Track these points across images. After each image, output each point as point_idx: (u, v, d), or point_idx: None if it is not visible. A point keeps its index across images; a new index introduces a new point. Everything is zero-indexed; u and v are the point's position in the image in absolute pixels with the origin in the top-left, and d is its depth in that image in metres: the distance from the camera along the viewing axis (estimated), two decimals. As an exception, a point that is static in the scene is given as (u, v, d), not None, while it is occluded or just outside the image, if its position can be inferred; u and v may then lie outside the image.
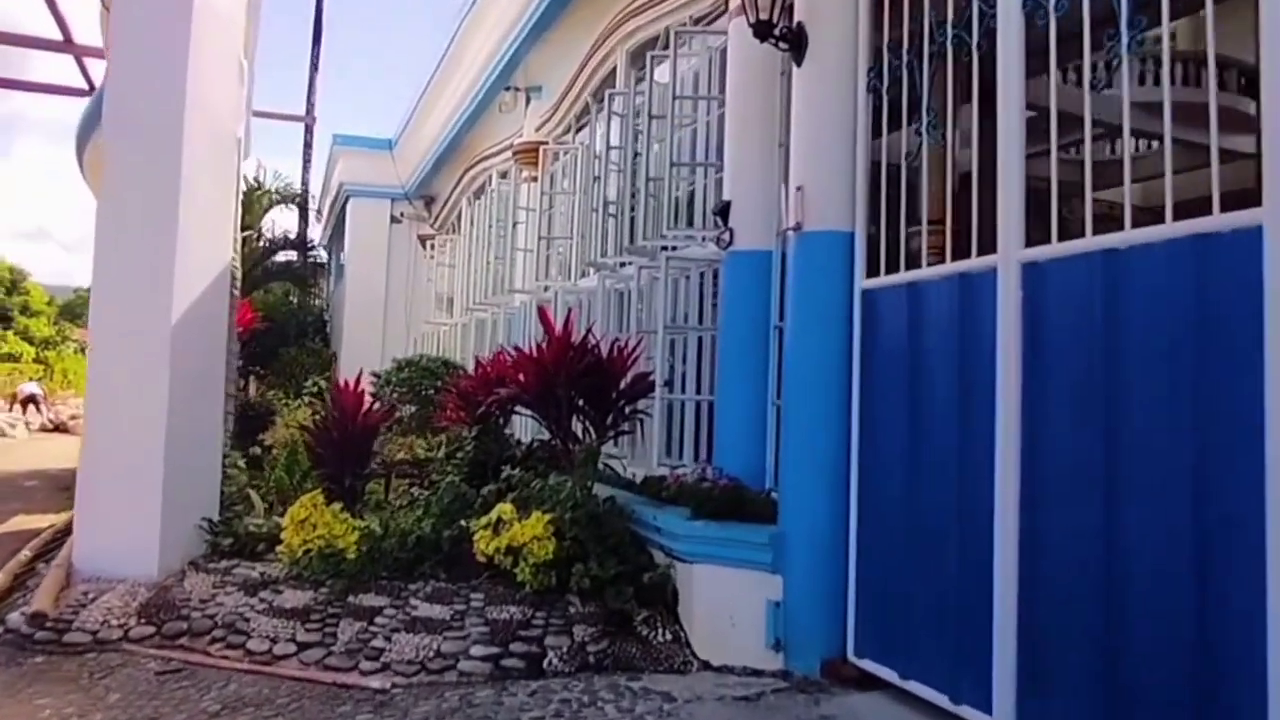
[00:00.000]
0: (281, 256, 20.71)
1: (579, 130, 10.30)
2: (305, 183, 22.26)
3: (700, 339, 6.50)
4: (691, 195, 7.13)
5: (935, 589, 4.24)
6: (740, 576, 5.05)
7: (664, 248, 6.66)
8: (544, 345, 6.11)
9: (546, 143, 10.31)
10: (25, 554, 7.74)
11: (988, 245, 4.05)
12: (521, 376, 6.12)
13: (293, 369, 17.87)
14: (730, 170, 6.04)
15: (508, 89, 11.61)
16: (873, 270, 4.90)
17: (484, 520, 6.06)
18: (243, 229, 19.47)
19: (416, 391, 10.92)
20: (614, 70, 8.89)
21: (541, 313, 6.18)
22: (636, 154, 7.25)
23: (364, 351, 17.37)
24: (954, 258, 4.34)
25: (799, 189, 5.12)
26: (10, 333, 60.29)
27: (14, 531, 9.15)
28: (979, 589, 3.92)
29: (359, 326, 17.70)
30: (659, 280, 6.60)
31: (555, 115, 10.47)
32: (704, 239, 6.64)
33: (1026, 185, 3.89)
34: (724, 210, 5.95)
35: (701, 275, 6.61)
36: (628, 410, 6.28)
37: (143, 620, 6.03)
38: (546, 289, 9.61)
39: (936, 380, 4.34)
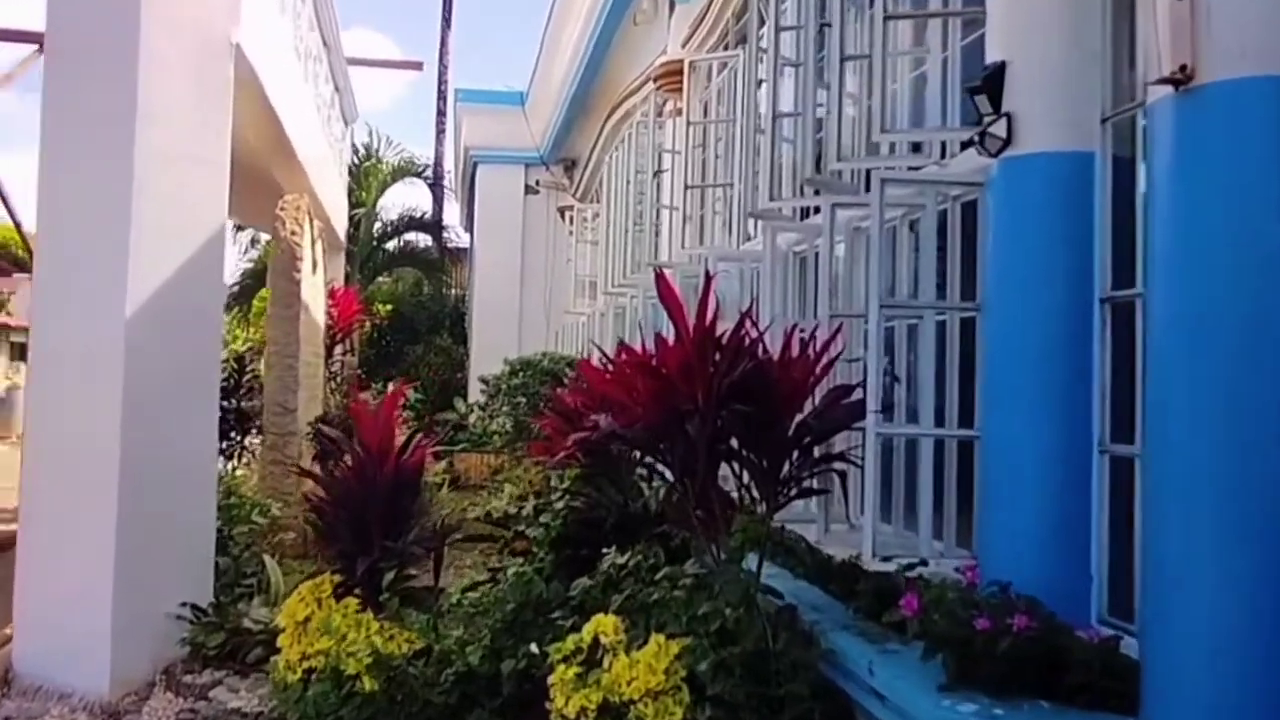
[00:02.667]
0: (415, 241, 19.39)
1: (740, 38, 7.85)
2: (438, 155, 20.88)
3: (943, 326, 3.94)
4: (921, 81, 4.56)
5: None
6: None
7: (873, 170, 4.13)
8: (668, 341, 3.75)
9: (697, 59, 7.93)
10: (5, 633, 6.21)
11: None
12: (629, 394, 3.79)
13: (418, 371, 16.39)
14: (1001, 9, 3.47)
15: (645, -7, 9.33)
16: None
17: (569, 643, 3.79)
18: (354, 206, 18.24)
19: (534, 404, 8.85)
20: (788, -72, 6.39)
21: (660, 283, 3.79)
22: (824, 25, 4.75)
23: (497, 348, 15.54)
24: None
25: (1183, -4, 2.53)
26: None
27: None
28: None
29: (491, 318, 15.92)
30: (867, 228, 4.11)
31: (707, 19, 8.07)
32: (946, 149, 4.09)
33: None
34: (991, 83, 3.39)
35: (943, 214, 4.03)
36: (816, 453, 3.84)
37: (69, 773, 4.21)
38: (699, 259, 7.27)
39: None
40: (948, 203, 4.02)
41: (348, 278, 16.63)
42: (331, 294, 12.66)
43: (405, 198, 34.42)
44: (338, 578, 4.58)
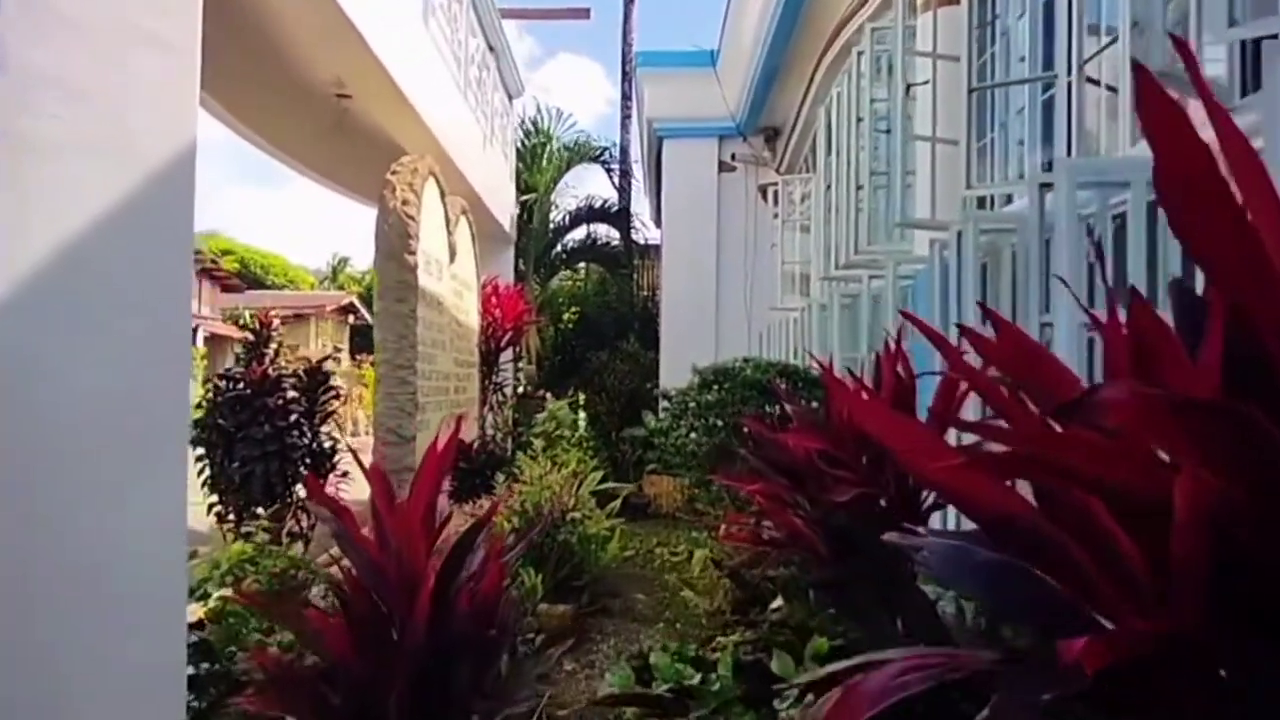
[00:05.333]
0: (598, 235, 17.14)
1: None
2: (624, 144, 18.60)
3: None
4: None
5: None
6: None
7: None
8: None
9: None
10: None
11: None
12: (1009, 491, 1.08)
13: (602, 380, 14.10)
14: None
15: None
16: None
17: None
18: (524, 192, 16.18)
19: (733, 433, 6.24)
20: None
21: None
22: None
23: (689, 353, 13.09)
24: None
25: None
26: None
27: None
28: None
29: (682, 318, 13.42)
30: None
31: None
32: None
33: None
34: None
35: None
36: None
37: None
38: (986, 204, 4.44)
39: None
40: None
41: (521, 276, 14.57)
42: (494, 291, 10.54)
43: (585, 185, 32.31)
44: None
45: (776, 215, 11.76)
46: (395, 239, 6.08)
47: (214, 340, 36.27)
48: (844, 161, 7.31)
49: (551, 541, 5.84)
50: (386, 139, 8.22)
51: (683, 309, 13.48)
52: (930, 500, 3.00)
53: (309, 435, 5.51)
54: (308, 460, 5.44)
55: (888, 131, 6.78)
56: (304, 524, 5.33)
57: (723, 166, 13.57)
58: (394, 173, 6.34)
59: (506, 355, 11.63)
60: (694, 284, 13.39)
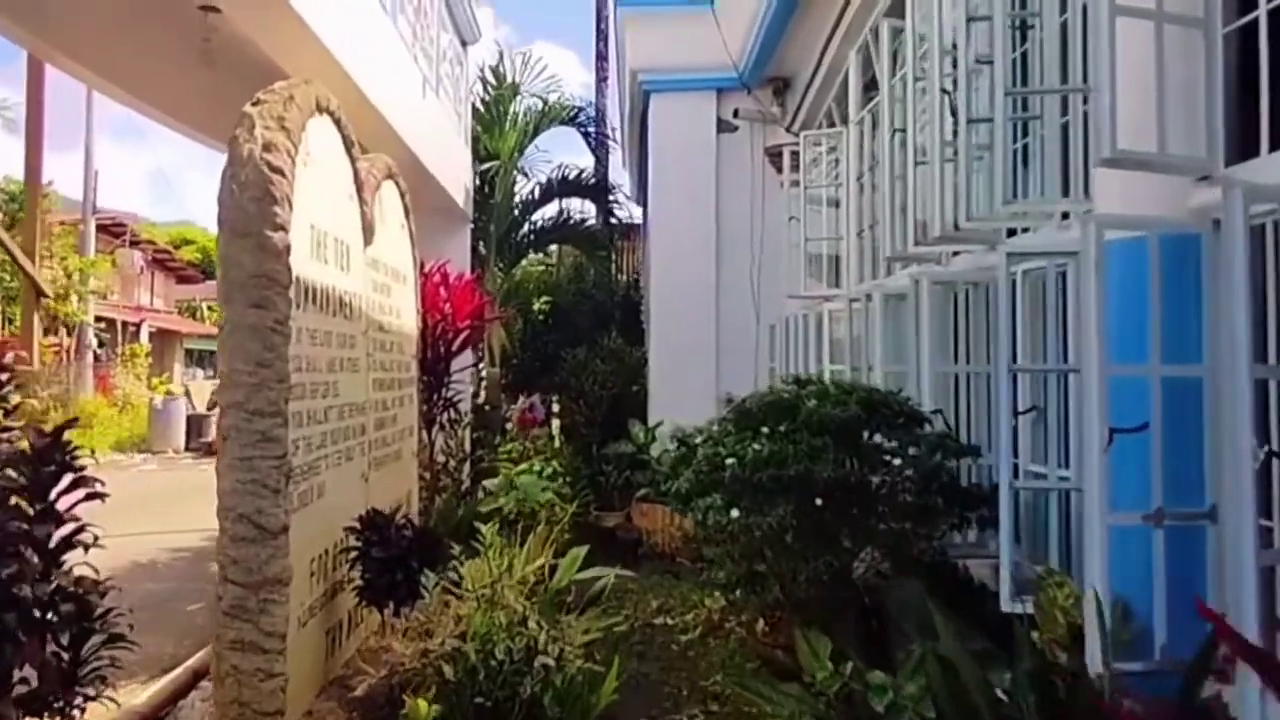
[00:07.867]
0: (572, 212, 14.57)
1: None
2: (600, 109, 16.10)
3: None
4: None
5: None
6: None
7: None
8: None
9: None
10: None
11: None
12: None
13: (580, 382, 11.70)
14: None
15: None
16: None
17: None
18: (483, 159, 13.65)
19: (796, 511, 3.87)
20: None
21: None
22: None
23: (684, 352, 10.73)
24: None
25: None
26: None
27: None
28: None
29: (674, 310, 10.97)
30: None
31: None
32: None
33: None
34: None
35: None
36: None
37: None
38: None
39: None
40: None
41: (481, 260, 12.07)
42: (443, 280, 8.06)
43: (556, 156, 29.24)
44: None
45: (796, 183, 9.37)
46: (250, 206, 3.61)
47: (161, 336, 33.35)
48: (933, 89, 4.95)
49: (512, 697, 3.46)
50: (275, 73, 5.76)
51: (675, 298, 11.02)
52: None
53: (34, 576, 2.82)
54: (34, 623, 2.75)
55: (1026, 27, 4.45)
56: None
57: (722, 126, 11.11)
58: (256, 103, 3.89)
59: (464, 359, 9.19)
60: (689, 268, 10.93)
